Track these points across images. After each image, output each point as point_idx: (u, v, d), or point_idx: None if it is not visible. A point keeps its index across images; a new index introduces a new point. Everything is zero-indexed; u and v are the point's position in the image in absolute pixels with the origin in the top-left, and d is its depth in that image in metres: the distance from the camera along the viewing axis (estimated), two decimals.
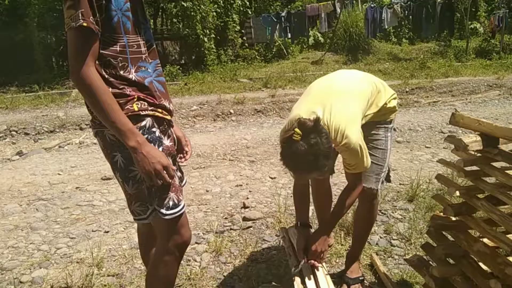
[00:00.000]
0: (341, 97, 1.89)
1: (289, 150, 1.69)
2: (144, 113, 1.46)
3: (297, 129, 1.65)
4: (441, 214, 1.88)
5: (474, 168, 1.66)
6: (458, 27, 14.52)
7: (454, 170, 1.72)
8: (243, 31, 12.66)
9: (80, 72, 1.33)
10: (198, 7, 10.70)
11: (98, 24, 1.34)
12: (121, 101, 1.41)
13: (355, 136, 1.81)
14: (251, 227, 3.00)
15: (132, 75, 1.46)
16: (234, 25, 12.18)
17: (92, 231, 3.04)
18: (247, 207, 3.34)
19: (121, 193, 3.75)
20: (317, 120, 1.67)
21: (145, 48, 1.51)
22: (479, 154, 1.64)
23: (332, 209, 2.16)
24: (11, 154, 5.26)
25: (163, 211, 1.52)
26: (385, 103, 2.06)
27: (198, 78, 10.10)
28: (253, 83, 9.57)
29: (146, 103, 1.47)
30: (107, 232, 3.02)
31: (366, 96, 1.97)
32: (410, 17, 13.32)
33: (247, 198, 3.53)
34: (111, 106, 1.35)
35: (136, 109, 1.44)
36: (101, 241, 2.84)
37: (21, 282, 2.40)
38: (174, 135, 1.65)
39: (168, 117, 1.57)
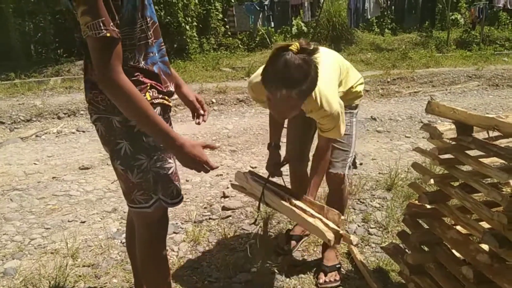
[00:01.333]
0: (323, 67, 1.84)
1: (281, 58, 1.60)
2: (156, 101, 1.46)
3: (297, 43, 1.61)
4: (417, 202, 1.89)
5: (449, 156, 1.68)
6: (440, 18, 14.61)
7: (429, 158, 1.73)
8: (225, 19, 12.47)
9: (112, 80, 1.29)
10: None
11: (118, 26, 1.29)
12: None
13: (337, 103, 1.87)
14: (230, 216, 2.99)
15: (142, 64, 1.44)
16: (217, 13, 11.98)
17: (68, 221, 2.98)
18: (227, 197, 3.32)
19: (99, 183, 3.72)
20: (316, 49, 1.64)
21: (151, 32, 1.46)
22: (453, 142, 1.64)
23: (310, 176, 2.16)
24: None
25: (168, 200, 1.58)
26: (352, 86, 2.13)
27: (180, 67, 9.95)
28: (236, 72, 9.48)
29: (156, 91, 1.47)
30: (84, 222, 2.97)
31: (339, 71, 2.03)
32: (393, 7, 13.34)
33: (227, 188, 3.50)
34: (147, 111, 1.34)
35: (149, 98, 1.43)
36: (77, 232, 2.80)
37: None
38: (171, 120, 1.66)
39: (171, 104, 1.58)
